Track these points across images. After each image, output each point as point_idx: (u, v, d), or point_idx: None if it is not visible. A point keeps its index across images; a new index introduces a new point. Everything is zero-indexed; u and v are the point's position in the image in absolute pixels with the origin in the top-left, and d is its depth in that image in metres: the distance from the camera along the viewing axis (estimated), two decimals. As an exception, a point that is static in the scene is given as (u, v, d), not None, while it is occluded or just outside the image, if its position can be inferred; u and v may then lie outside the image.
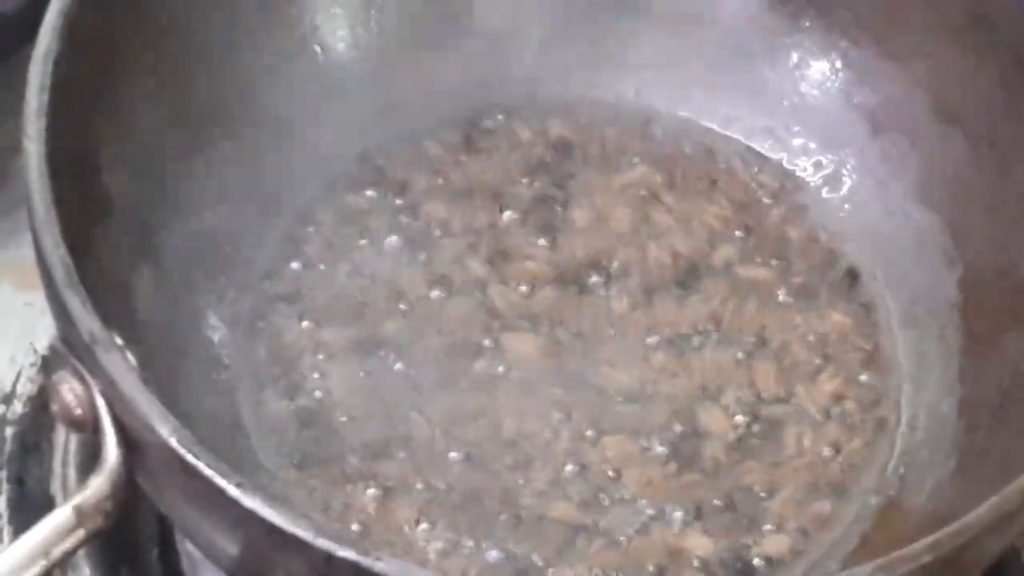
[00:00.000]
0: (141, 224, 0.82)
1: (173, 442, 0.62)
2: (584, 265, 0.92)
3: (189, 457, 0.62)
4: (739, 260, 0.93)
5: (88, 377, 0.65)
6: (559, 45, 0.99)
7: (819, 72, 0.99)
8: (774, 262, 0.93)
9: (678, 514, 0.82)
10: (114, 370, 0.64)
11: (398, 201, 0.94)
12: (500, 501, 0.81)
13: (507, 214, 0.94)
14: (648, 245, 0.93)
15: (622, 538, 0.81)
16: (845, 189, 0.97)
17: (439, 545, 0.80)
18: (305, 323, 0.88)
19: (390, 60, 0.97)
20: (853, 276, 0.93)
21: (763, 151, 0.98)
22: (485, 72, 0.98)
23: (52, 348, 0.68)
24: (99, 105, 0.79)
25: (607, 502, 0.82)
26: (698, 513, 0.82)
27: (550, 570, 0.79)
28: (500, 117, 0.98)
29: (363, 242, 0.92)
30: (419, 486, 0.82)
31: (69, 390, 0.66)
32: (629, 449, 0.84)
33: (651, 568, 0.80)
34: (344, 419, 0.84)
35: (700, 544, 0.81)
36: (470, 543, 0.80)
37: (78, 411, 0.66)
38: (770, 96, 0.99)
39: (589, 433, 0.84)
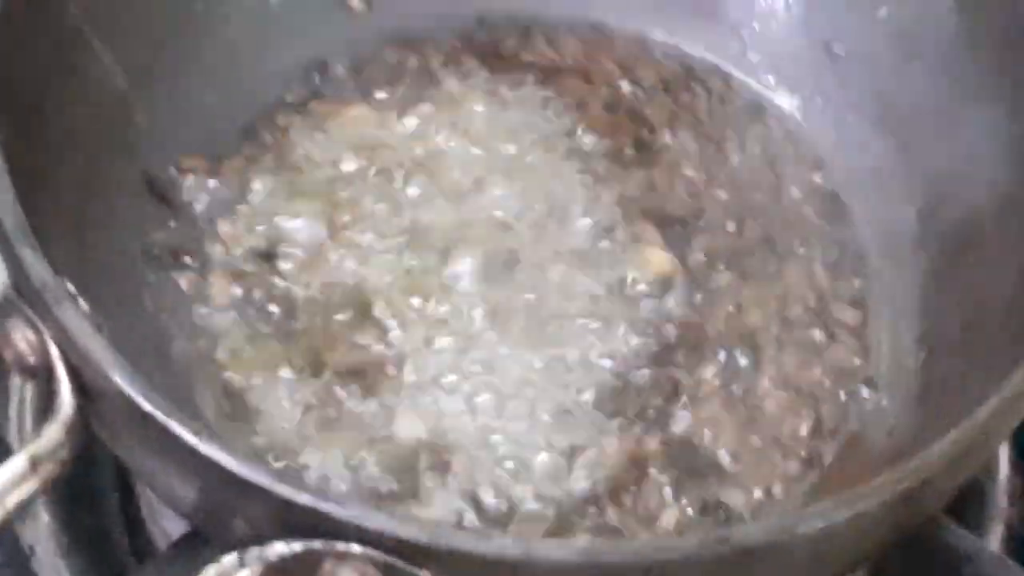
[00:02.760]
0: (89, 164, 0.81)
1: (128, 389, 0.62)
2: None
3: (145, 404, 0.61)
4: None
5: (40, 324, 0.65)
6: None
7: (777, 1, 0.98)
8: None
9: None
10: (66, 318, 0.63)
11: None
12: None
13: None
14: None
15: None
16: (805, 119, 0.96)
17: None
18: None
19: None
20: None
21: (726, 79, 0.98)
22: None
23: (4, 296, 0.67)
24: (46, 43, 0.78)
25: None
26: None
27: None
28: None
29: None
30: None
31: (22, 338, 0.65)
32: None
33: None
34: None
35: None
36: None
37: (31, 359, 0.65)
38: (729, 23, 0.99)
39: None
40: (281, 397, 0.82)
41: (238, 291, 0.86)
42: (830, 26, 0.97)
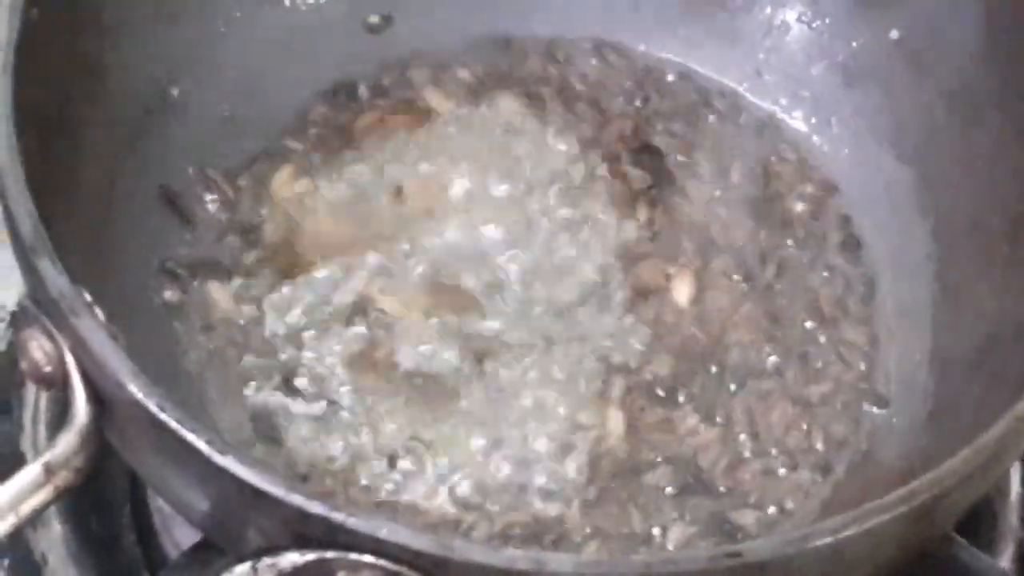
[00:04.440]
0: (108, 178, 0.82)
1: (143, 398, 0.62)
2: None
3: (159, 413, 0.62)
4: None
5: (57, 334, 0.65)
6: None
7: (792, 22, 0.98)
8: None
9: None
10: (83, 327, 0.64)
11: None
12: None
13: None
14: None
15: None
16: (818, 139, 0.97)
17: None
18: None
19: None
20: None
21: (739, 101, 0.99)
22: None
23: (21, 305, 0.68)
24: (67, 60, 0.78)
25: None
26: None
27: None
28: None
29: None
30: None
31: (38, 347, 0.65)
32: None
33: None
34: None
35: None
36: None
37: (47, 368, 0.65)
38: (743, 45, 0.99)
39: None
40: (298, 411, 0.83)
41: (254, 307, 0.87)
42: (844, 48, 0.97)
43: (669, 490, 0.81)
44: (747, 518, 0.81)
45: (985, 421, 0.66)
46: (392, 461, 0.81)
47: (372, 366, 0.85)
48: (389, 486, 0.81)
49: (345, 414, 0.83)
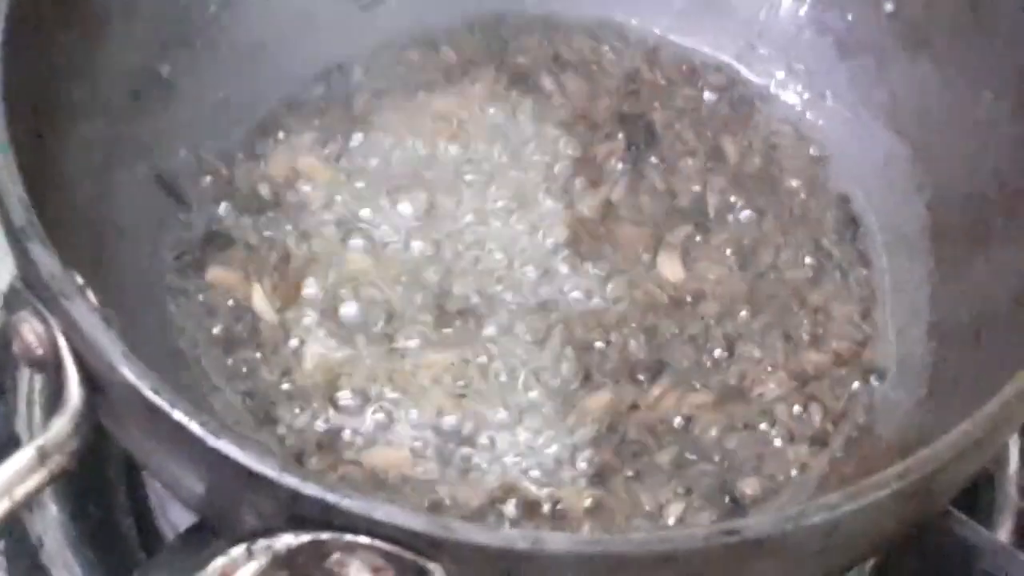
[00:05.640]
0: (101, 161, 0.82)
1: (135, 381, 0.62)
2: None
3: (152, 396, 0.61)
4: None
5: (49, 317, 0.65)
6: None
7: (786, -6, 0.98)
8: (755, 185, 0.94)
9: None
10: (75, 310, 0.63)
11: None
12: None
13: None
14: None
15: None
16: (812, 113, 0.96)
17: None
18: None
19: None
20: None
21: (733, 75, 0.98)
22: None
23: (12, 287, 0.67)
24: (61, 41, 0.78)
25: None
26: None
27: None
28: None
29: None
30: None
31: (30, 330, 0.65)
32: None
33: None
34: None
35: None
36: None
37: (39, 351, 0.65)
38: (738, 19, 0.99)
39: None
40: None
41: (249, 287, 0.86)
42: (838, 21, 0.96)
43: (665, 463, 0.81)
44: (747, 488, 0.81)
45: (983, 394, 0.66)
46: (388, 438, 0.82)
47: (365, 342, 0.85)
48: (382, 462, 0.81)
49: (341, 393, 0.83)
